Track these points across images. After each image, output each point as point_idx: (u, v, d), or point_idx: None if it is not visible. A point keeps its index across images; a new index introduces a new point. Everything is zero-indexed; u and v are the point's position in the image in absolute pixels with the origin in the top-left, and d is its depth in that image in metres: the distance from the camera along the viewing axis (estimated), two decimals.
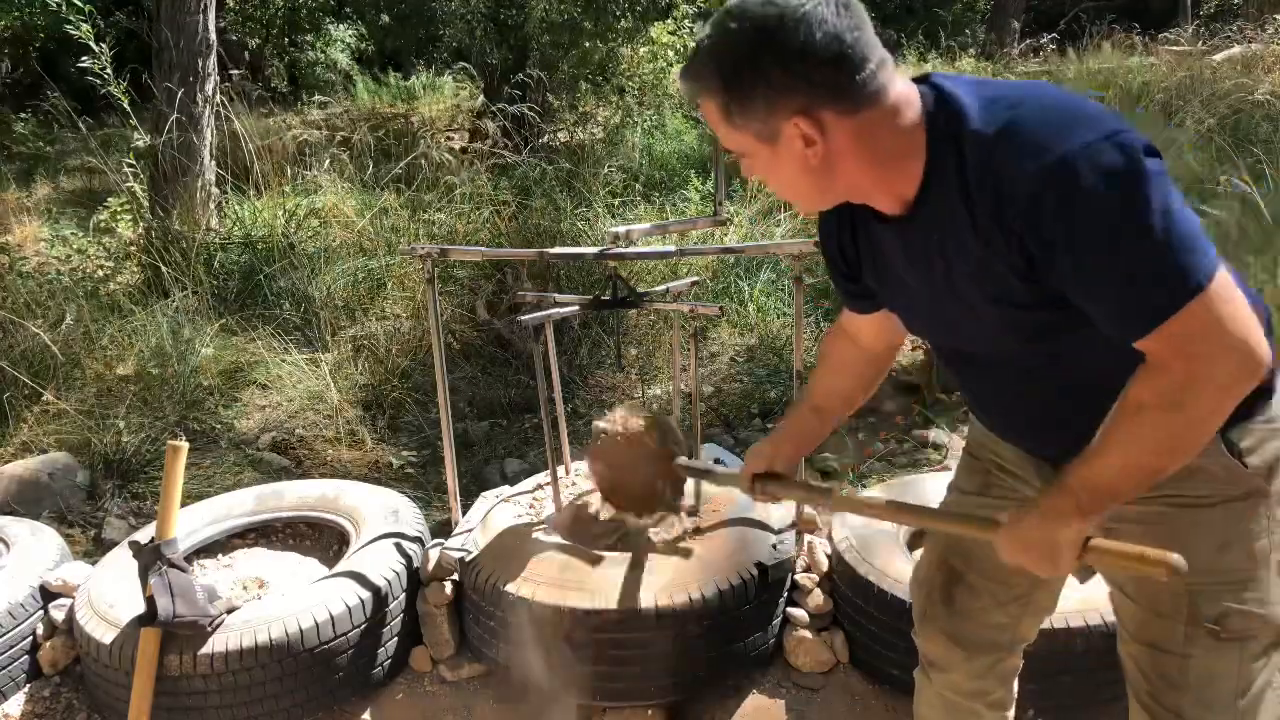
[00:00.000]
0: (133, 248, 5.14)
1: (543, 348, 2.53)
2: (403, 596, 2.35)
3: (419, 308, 4.45)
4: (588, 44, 7.69)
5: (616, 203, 5.54)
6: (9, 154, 8.66)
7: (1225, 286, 1.03)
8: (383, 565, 2.33)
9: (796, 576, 2.36)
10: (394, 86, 10.43)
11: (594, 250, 2.41)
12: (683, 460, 1.75)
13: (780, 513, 2.46)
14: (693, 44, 1.14)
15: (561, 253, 2.57)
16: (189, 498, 2.81)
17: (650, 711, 2.19)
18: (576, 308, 2.47)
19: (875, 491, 2.58)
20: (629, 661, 2.12)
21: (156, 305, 4.35)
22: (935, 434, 3.50)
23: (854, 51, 1.07)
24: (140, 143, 5.33)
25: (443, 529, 2.68)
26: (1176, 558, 1.07)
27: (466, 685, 2.36)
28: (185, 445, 2.21)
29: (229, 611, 2.17)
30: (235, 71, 8.49)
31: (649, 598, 2.10)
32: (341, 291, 4.69)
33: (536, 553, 2.26)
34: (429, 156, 5.70)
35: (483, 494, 2.71)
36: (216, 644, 2.09)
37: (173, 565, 2.15)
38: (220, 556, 2.66)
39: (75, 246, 5.33)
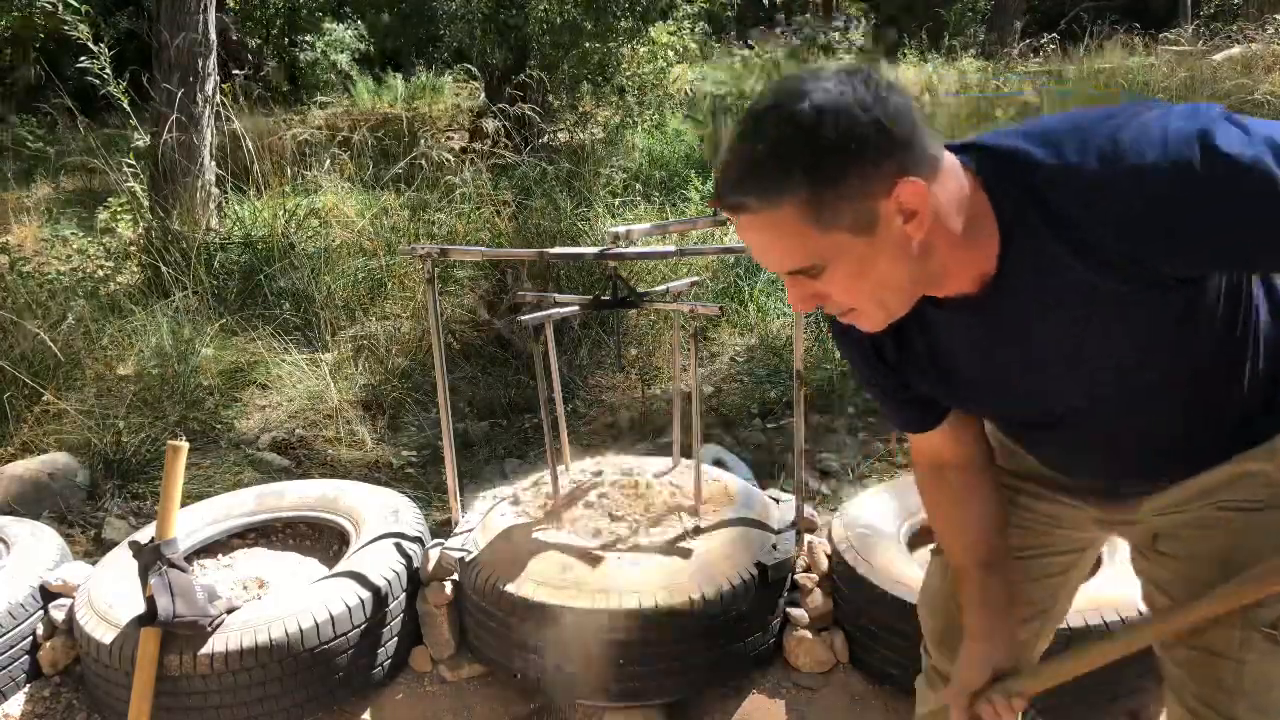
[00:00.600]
0: (133, 248, 5.14)
1: (543, 348, 2.53)
2: (403, 596, 2.35)
3: (419, 308, 4.45)
4: (588, 44, 7.69)
5: (616, 203, 5.54)
6: (9, 154, 8.65)
7: None
8: (383, 565, 2.33)
9: (796, 576, 2.36)
10: (394, 86, 10.43)
11: (594, 250, 2.41)
12: None
13: (780, 513, 2.46)
14: (722, 159, 1.03)
15: (561, 253, 2.57)
16: (189, 498, 2.81)
17: (650, 711, 2.19)
18: (576, 308, 2.47)
19: (877, 491, 2.58)
20: (629, 661, 2.12)
21: (156, 305, 4.35)
22: None
23: (917, 115, 0.99)
24: (140, 143, 5.33)
25: (443, 529, 2.68)
26: None
27: (466, 685, 2.36)
28: (185, 445, 2.21)
29: (229, 611, 2.17)
30: (236, 71, 8.48)
31: (649, 598, 2.10)
32: (341, 291, 4.69)
33: (536, 553, 2.26)
34: (429, 156, 5.70)
35: (482, 494, 2.71)
36: (216, 644, 2.09)
37: (173, 565, 2.15)
38: (220, 556, 2.66)
39: (75, 246, 5.33)
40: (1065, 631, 1.93)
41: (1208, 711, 1.29)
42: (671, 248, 2.98)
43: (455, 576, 2.38)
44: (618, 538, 2.32)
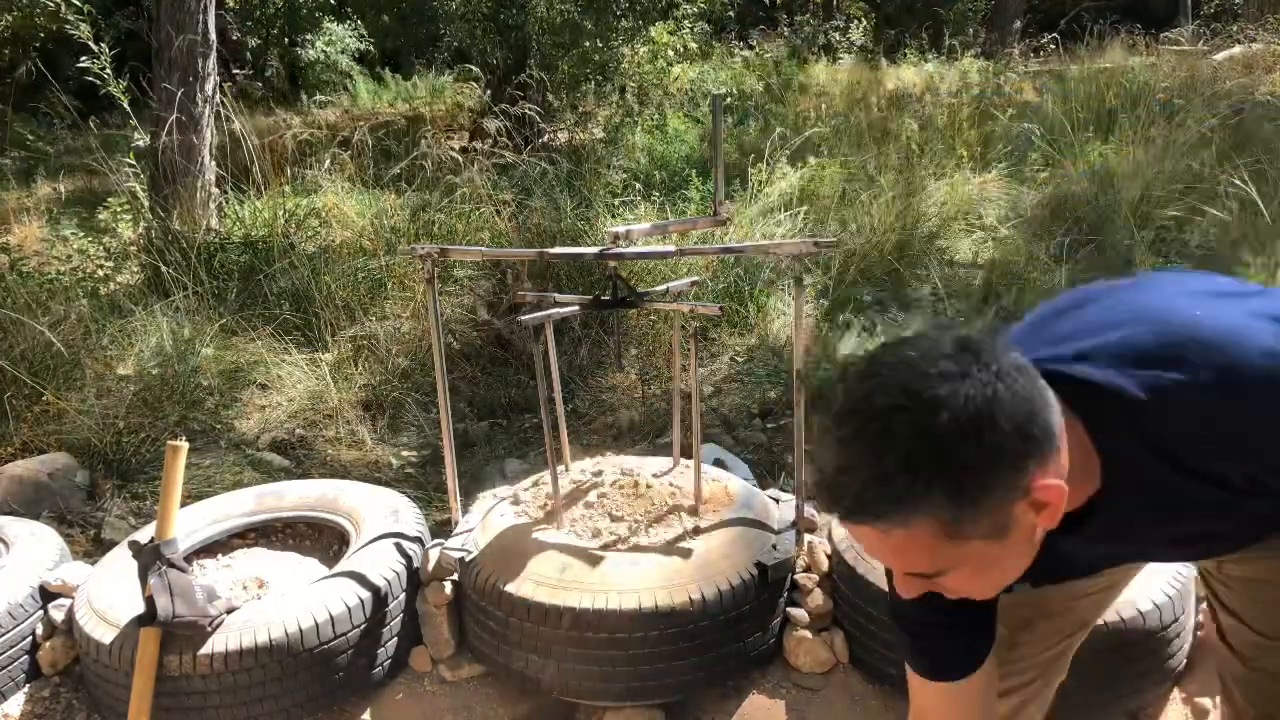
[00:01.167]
0: (133, 248, 5.14)
1: (543, 348, 2.53)
2: (402, 596, 2.35)
3: (419, 308, 4.45)
4: (588, 44, 7.69)
5: (617, 203, 5.54)
6: (9, 154, 8.66)
7: None
8: (383, 565, 2.33)
9: (796, 576, 2.36)
10: (394, 86, 10.44)
11: (594, 250, 2.40)
12: None
13: (780, 513, 2.46)
14: (833, 458, 0.93)
15: (561, 252, 2.57)
16: (189, 498, 2.81)
17: (650, 711, 2.19)
18: (576, 308, 2.47)
19: None
20: (629, 661, 2.12)
21: (156, 305, 4.35)
22: None
23: (1038, 386, 0.93)
24: (140, 143, 5.34)
25: (443, 529, 2.68)
26: None
27: (466, 685, 2.35)
28: (185, 445, 2.21)
29: (229, 611, 2.17)
30: (236, 71, 8.49)
31: (649, 598, 2.09)
32: (341, 291, 4.68)
33: (536, 553, 2.26)
34: (429, 156, 5.70)
35: (482, 494, 2.71)
36: (216, 644, 2.09)
37: (172, 565, 2.15)
38: (220, 556, 2.66)
39: (76, 246, 5.33)
40: None
41: None
42: (671, 248, 2.98)
43: (455, 576, 2.38)
44: (618, 538, 2.31)
